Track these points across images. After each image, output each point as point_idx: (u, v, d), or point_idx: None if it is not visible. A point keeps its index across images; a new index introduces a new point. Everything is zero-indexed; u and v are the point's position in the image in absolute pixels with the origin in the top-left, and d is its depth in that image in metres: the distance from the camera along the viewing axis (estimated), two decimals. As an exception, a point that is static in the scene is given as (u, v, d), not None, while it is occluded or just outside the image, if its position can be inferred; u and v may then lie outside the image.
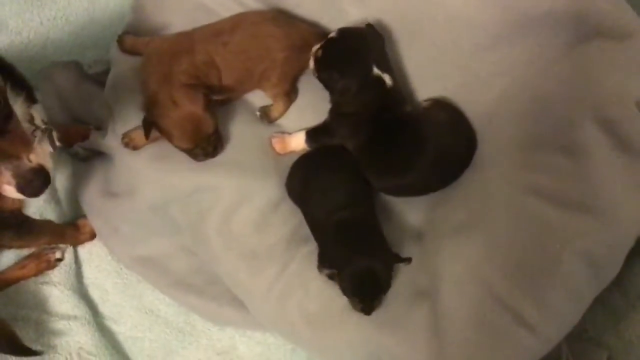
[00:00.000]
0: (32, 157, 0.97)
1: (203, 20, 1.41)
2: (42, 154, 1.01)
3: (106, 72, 1.54)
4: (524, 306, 1.13)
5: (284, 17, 1.41)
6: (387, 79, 1.29)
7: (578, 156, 1.15)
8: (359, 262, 1.19)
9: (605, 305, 1.26)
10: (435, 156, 1.30)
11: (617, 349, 1.22)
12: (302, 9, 1.45)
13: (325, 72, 1.32)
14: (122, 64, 1.43)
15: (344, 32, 1.32)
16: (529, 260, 1.15)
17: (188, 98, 1.24)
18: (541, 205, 1.16)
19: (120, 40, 1.43)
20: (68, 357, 1.36)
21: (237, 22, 1.37)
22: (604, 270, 1.14)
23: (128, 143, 1.35)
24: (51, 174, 0.99)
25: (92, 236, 1.50)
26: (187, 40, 1.33)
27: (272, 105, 1.42)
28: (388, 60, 1.33)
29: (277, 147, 1.39)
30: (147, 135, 1.26)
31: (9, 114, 0.98)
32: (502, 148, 1.26)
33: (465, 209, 1.27)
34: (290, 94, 1.41)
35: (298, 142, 1.38)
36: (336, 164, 1.34)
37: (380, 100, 1.30)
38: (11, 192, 0.96)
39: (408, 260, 1.21)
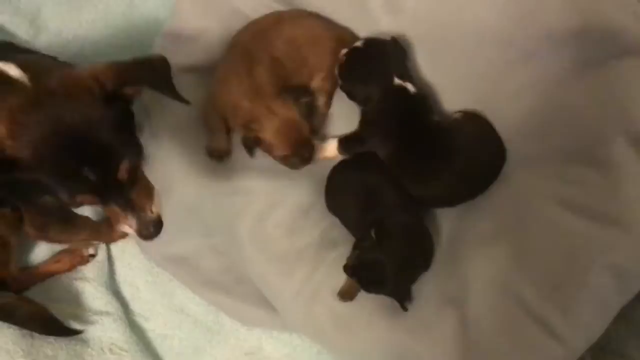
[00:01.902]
0: (154, 208, 1.14)
1: (238, 26, 1.46)
2: (158, 202, 1.16)
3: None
4: (551, 316, 1.15)
5: (321, 16, 1.46)
6: (410, 87, 1.33)
7: (608, 170, 1.18)
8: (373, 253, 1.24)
9: (629, 319, 1.28)
10: (464, 168, 1.33)
11: (639, 361, 1.25)
12: (336, 16, 1.49)
13: (348, 82, 1.37)
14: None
15: (368, 42, 1.37)
16: (557, 270, 1.17)
17: (283, 105, 1.28)
18: (570, 217, 1.19)
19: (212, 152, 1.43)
20: (100, 351, 1.38)
21: (277, 18, 1.42)
22: (630, 283, 1.16)
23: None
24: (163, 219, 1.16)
25: (125, 234, 1.54)
26: (244, 52, 1.37)
27: (319, 100, 1.46)
28: (409, 72, 1.37)
29: None
30: (251, 153, 1.32)
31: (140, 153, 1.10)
32: (532, 161, 1.29)
33: (494, 219, 1.29)
34: (332, 94, 1.45)
35: (331, 150, 1.41)
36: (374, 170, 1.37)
37: (405, 108, 1.34)
38: (129, 230, 1.15)
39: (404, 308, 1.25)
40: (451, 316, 1.24)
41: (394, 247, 1.24)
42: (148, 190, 1.16)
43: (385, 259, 1.22)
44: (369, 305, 1.30)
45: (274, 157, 1.34)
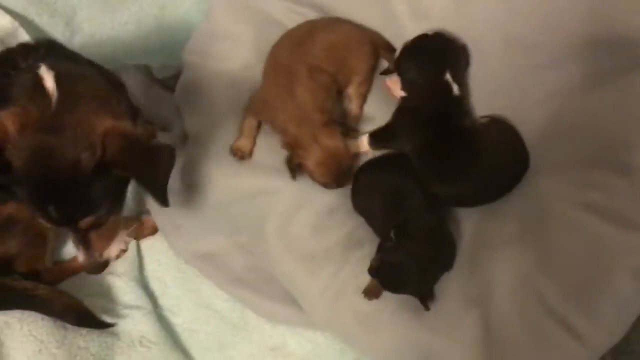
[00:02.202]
0: (106, 253, 1.17)
1: (271, 32, 1.50)
2: (115, 248, 1.23)
3: (173, 77, 1.64)
4: (574, 317, 1.17)
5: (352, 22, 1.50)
6: (455, 88, 1.36)
7: (632, 176, 1.19)
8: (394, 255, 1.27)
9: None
10: (487, 172, 1.36)
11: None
12: (363, 22, 1.52)
13: (406, 60, 1.40)
14: (194, 70, 1.52)
15: (437, 33, 1.40)
16: (580, 273, 1.19)
17: (329, 135, 1.31)
18: (593, 221, 1.20)
19: (236, 151, 1.45)
20: (130, 344, 1.42)
21: (311, 27, 1.45)
22: None
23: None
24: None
25: (154, 231, 1.58)
26: (284, 72, 1.39)
27: (352, 103, 1.49)
28: (464, 76, 1.40)
29: None
30: (294, 176, 1.35)
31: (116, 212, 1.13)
32: (557, 165, 1.31)
33: (518, 222, 1.32)
34: (366, 97, 1.49)
35: (362, 145, 1.44)
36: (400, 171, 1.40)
37: (443, 105, 1.38)
38: (80, 258, 1.17)
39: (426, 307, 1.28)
40: (474, 316, 1.27)
41: (415, 248, 1.26)
42: (110, 235, 1.18)
43: (406, 259, 1.25)
44: (393, 303, 1.33)
45: (313, 180, 1.37)
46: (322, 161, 1.32)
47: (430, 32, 1.40)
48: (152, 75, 1.66)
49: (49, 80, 1.03)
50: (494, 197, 1.39)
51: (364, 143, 1.44)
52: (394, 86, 1.45)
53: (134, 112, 1.25)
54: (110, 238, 1.18)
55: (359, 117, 1.49)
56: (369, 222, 1.41)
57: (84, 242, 1.13)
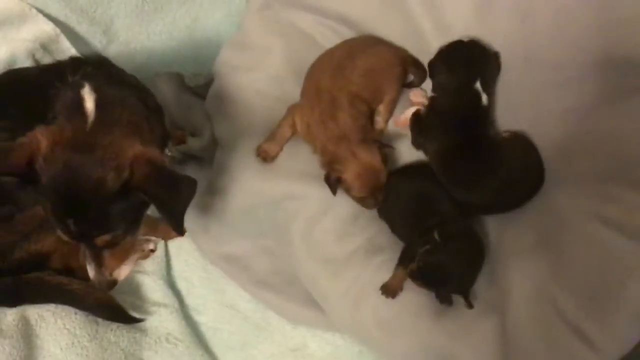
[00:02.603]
0: (116, 273, 1.22)
1: (299, 44, 1.57)
2: (125, 270, 1.26)
3: (204, 85, 1.71)
4: (587, 325, 1.21)
5: (383, 40, 1.56)
6: (484, 98, 1.42)
7: (647, 191, 1.26)
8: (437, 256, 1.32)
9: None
10: (503, 182, 1.41)
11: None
12: (390, 38, 1.59)
13: (439, 63, 1.47)
14: (225, 79, 1.59)
15: (473, 41, 1.47)
16: (594, 283, 1.24)
17: (366, 151, 1.38)
18: (609, 233, 1.25)
19: (260, 152, 1.51)
20: (157, 340, 1.47)
21: (349, 51, 1.50)
22: None
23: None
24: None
25: (181, 232, 1.64)
26: (327, 98, 1.45)
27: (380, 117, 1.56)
28: (492, 86, 1.46)
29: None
30: (334, 191, 1.39)
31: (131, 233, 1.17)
32: (574, 179, 1.36)
33: (535, 232, 1.37)
34: (392, 113, 1.56)
35: (407, 117, 1.52)
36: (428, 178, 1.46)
37: (471, 113, 1.43)
38: (90, 273, 1.20)
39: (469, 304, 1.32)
40: (491, 322, 1.32)
41: (456, 248, 1.32)
42: (122, 256, 1.24)
43: (450, 259, 1.31)
44: (412, 308, 1.38)
45: (351, 197, 1.42)
46: (360, 174, 1.37)
47: (465, 39, 1.46)
48: (184, 83, 1.73)
49: (89, 102, 1.11)
50: (508, 207, 1.44)
51: (407, 117, 1.51)
52: (417, 98, 1.52)
53: (165, 138, 1.32)
54: (122, 259, 1.24)
55: (383, 130, 1.55)
56: (394, 227, 1.46)
57: (96, 259, 1.18)
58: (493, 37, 1.49)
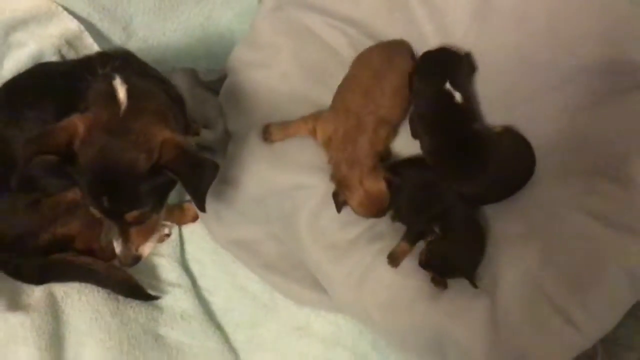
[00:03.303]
0: (141, 249, 1.30)
1: (310, 44, 1.67)
2: (150, 246, 1.32)
3: (217, 80, 1.81)
4: (571, 308, 1.32)
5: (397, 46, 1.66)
6: (458, 96, 1.53)
7: (628, 186, 1.35)
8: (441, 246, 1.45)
9: (638, 316, 1.44)
10: (492, 176, 1.52)
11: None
12: (376, 18, 1.67)
13: (413, 75, 1.58)
14: (237, 75, 1.69)
15: (440, 49, 1.59)
16: (578, 269, 1.34)
17: (373, 180, 1.47)
18: (593, 224, 1.36)
19: (266, 131, 1.61)
20: (172, 317, 1.57)
21: (374, 71, 1.57)
22: None
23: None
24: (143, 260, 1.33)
25: (195, 218, 1.75)
26: (354, 118, 1.53)
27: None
28: (465, 85, 1.57)
29: None
30: (339, 209, 1.50)
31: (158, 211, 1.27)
32: (563, 173, 1.47)
33: (524, 222, 1.47)
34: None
35: None
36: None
37: (448, 112, 1.54)
38: (117, 249, 1.29)
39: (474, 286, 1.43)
40: (483, 303, 1.41)
41: (458, 237, 1.45)
42: (147, 233, 1.31)
43: (453, 248, 1.44)
44: (409, 291, 1.48)
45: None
46: (363, 203, 1.47)
47: (433, 49, 1.58)
48: (198, 78, 1.83)
49: (121, 92, 1.22)
50: (499, 197, 1.55)
51: None
52: None
53: (187, 126, 1.43)
54: (147, 236, 1.31)
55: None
56: (399, 212, 1.55)
57: (123, 235, 1.27)
58: (490, 40, 1.58)
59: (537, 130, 1.54)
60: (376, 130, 1.53)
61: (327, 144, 1.56)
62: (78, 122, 1.17)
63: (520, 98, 1.56)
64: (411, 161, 1.62)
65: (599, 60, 1.48)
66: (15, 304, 1.44)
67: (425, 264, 1.45)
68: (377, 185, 1.47)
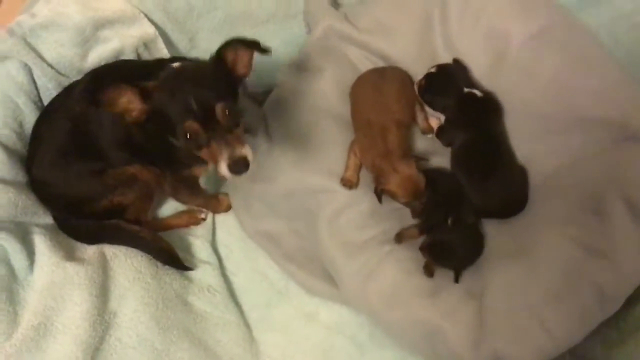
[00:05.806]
0: (243, 150, 1.40)
1: (346, 71, 1.95)
2: (248, 149, 1.42)
3: (262, 93, 2.08)
4: (548, 317, 1.51)
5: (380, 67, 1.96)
6: (477, 92, 1.82)
7: (605, 219, 1.57)
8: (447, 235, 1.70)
9: (604, 338, 1.61)
10: (501, 180, 1.79)
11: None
12: (412, 71, 1.98)
13: (429, 96, 1.87)
14: (283, 90, 1.96)
15: (440, 67, 1.87)
16: (557, 284, 1.54)
17: (405, 165, 1.72)
18: (573, 248, 1.57)
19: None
20: (201, 288, 1.79)
21: (372, 84, 1.87)
22: (610, 304, 1.52)
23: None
24: (250, 164, 1.39)
25: (228, 208, 1.99)
26: (378, 126, 1.78)
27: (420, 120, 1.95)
28: (473, 82, 1.87)
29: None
30: (380, 200, 1.74)
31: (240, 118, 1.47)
32: (553, 204, 1.71)
33: (514, 243, 1.71)
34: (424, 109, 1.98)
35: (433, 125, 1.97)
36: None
37: (475, 108, 1.84)
38: (223, 168, 1.38)
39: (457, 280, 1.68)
40: (472, 306, 1.61)
41: (464, 235, 1.71)
42: (241, 139, 1.42)
43: (456, 241, 1.68)
44: (409, 288, 1.68)
45: (400, 203, 1.76)
46: (400, 184, 1.70)
47: (433, 69, 1.87)
48: (246, 89, 2.10)
49: None
50: (501, 209, 1.80)
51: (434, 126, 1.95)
52: (434, 122, 1.94)
53: None
54: (242, 142, 1.41)
55: (428, 128, 1.94)
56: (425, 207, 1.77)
57: (224, 143, 1.37)
58: (502, 88, 1.87)
59: (535, 166, 1.81)
60: (399, 129, 1.79)
61: (363, 157, 1.79)
62: (147, 85, 1.40)
63: (522, 139, 1.83)
64: (438, 169, 1.88)
65: (593, 115, 1.73)
66: (72, 257, 1.66)
67: (426, 247, 1.68)
68: (410, 169, 1.70)
